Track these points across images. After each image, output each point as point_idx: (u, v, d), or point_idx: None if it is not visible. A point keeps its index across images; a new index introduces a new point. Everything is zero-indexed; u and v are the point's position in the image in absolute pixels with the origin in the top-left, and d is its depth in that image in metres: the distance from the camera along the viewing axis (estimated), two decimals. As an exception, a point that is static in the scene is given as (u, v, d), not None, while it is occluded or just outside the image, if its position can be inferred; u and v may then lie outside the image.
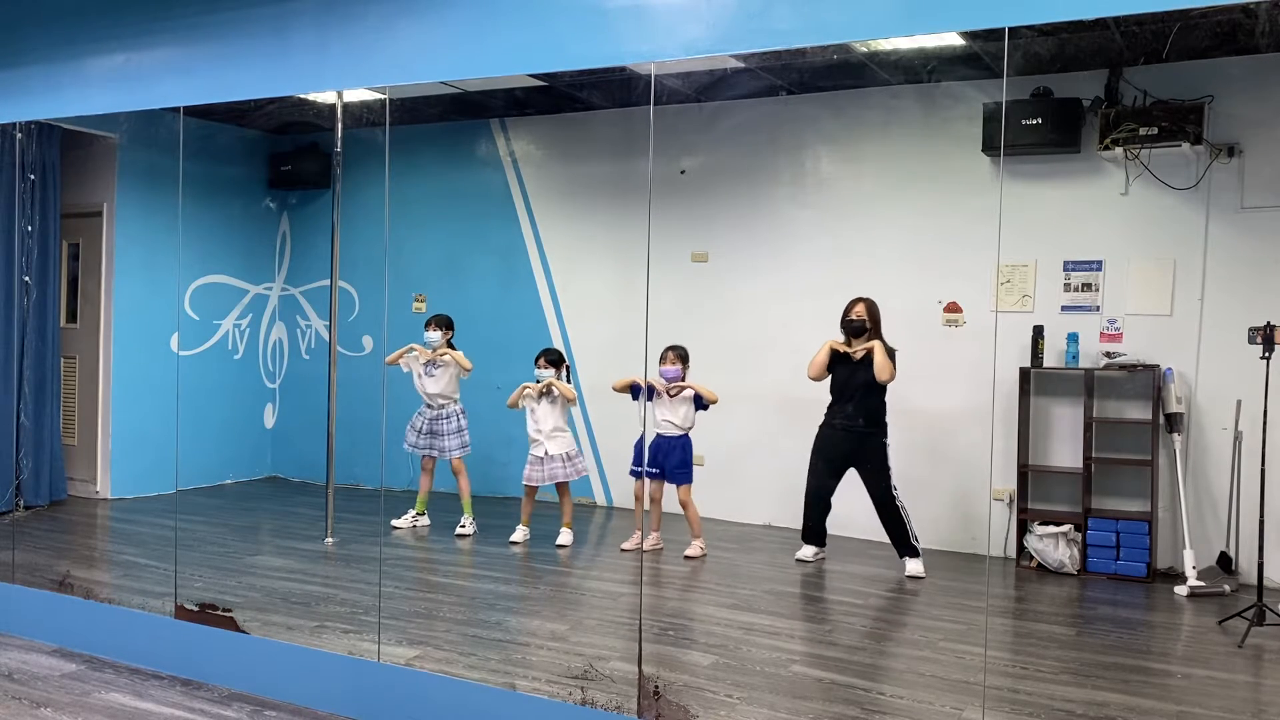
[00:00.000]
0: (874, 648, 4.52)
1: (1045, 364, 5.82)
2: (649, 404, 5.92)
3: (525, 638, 4.43)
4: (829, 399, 5.75)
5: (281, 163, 8.12)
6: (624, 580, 5.46)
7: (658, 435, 5.92)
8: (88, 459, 7.34)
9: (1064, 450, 5.89)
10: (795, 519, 6.12)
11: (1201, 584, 5.25)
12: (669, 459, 5.89)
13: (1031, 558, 5.70)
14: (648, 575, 5.52)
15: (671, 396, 5.86)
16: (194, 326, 7.63)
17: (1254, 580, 4.68)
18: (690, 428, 5.92)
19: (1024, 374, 5.84)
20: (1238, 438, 5.42)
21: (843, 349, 5.66)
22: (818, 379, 5.73)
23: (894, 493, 5.54)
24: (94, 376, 7.35)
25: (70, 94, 4.72)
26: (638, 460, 5.99)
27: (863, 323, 5.61)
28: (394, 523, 6.47)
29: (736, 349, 6.59)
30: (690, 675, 3.94)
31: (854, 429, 5.61)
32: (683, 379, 5.90)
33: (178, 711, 3.79)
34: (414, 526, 6.49)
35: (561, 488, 6.16)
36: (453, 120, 7.56)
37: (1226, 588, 5.24)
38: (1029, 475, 5.86)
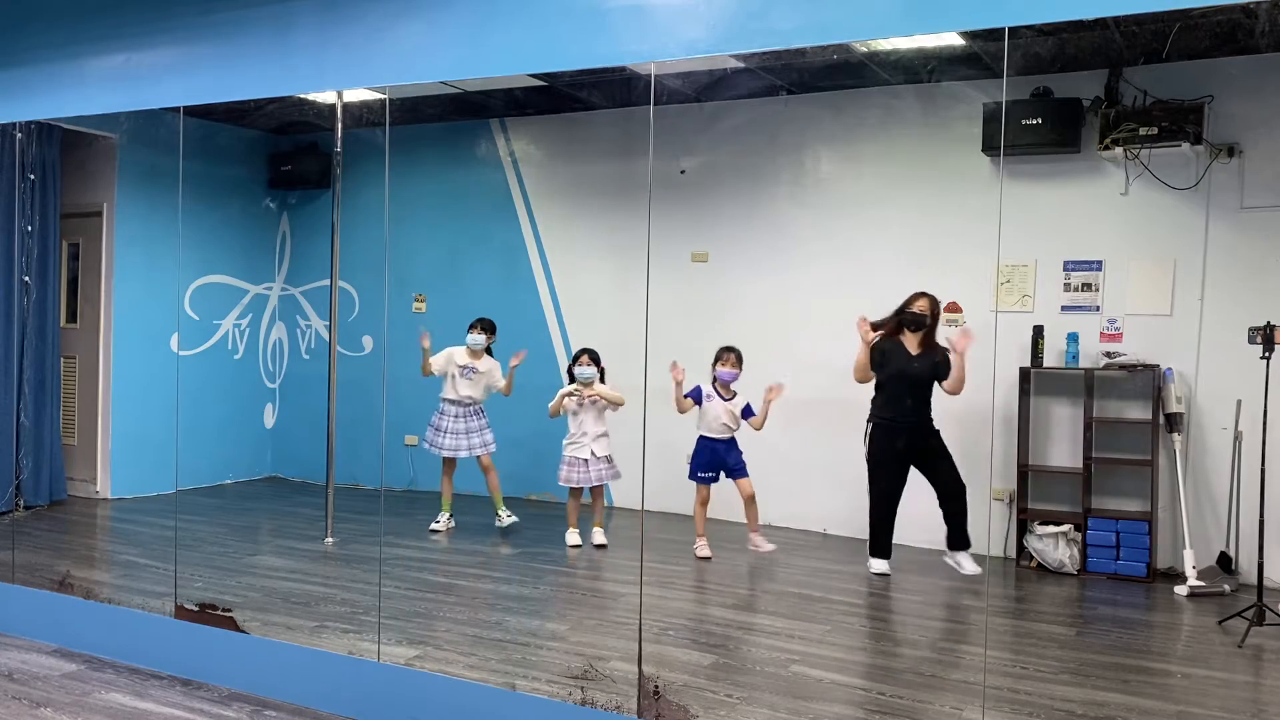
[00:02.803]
0: (874, 648, 4.52)
1: (1045, 364, 5.82)
2: (706, 406, 5.83)
3: (525, 638, 4.43)
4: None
5: (281, 163, 8.12)
6: (624, 580, 5.46)
7: (708, 439, 5.84)
8: (88, 459, 7.34)
9: (1064, 450, 5.89)
10: (794, 518, 6.13)
11: (1201, 584, 5.25)
12: (728, 458, 5.82)
13: (1031, 558, 5.70)
14: (648, 575, 5.52)
15: (725, 400, 5.82)
16: (194, 326, 7.63)
17: (1254, 580, 4.68)
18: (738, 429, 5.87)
19: (1024, 374, 5.84)
20: (1238, 438, 5.42)
21: (875, 338, 5.48)
22: (865, 381, 5.57)
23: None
24: (94, 376, 7.35)
25: (70, 94, 4.72)
26: (701, 467, 5.89)
27: (925, 317, 5.49)
28: (432, 526, 6.42)
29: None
30: (690, 675, 3.94)
31: (914, 426, 5.47)
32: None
33: (178, 711, 3.79)
34: (449, 529, 6.47)
35: (596, 490, 6.13)
36: (453, 120, 7.56)
37: (1226, 588, 5.24)
38: (1029, 475, 5.86)
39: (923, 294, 5.54)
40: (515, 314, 7.42)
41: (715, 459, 5.86)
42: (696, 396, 5.82)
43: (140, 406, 7.16)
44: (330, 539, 6.10)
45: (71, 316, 7.45)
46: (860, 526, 6.04)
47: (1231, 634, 4.57)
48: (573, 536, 6.11)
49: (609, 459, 6.09)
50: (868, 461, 5.57)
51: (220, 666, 4.09)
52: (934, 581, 5.43)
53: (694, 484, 5.90)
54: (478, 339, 6.36)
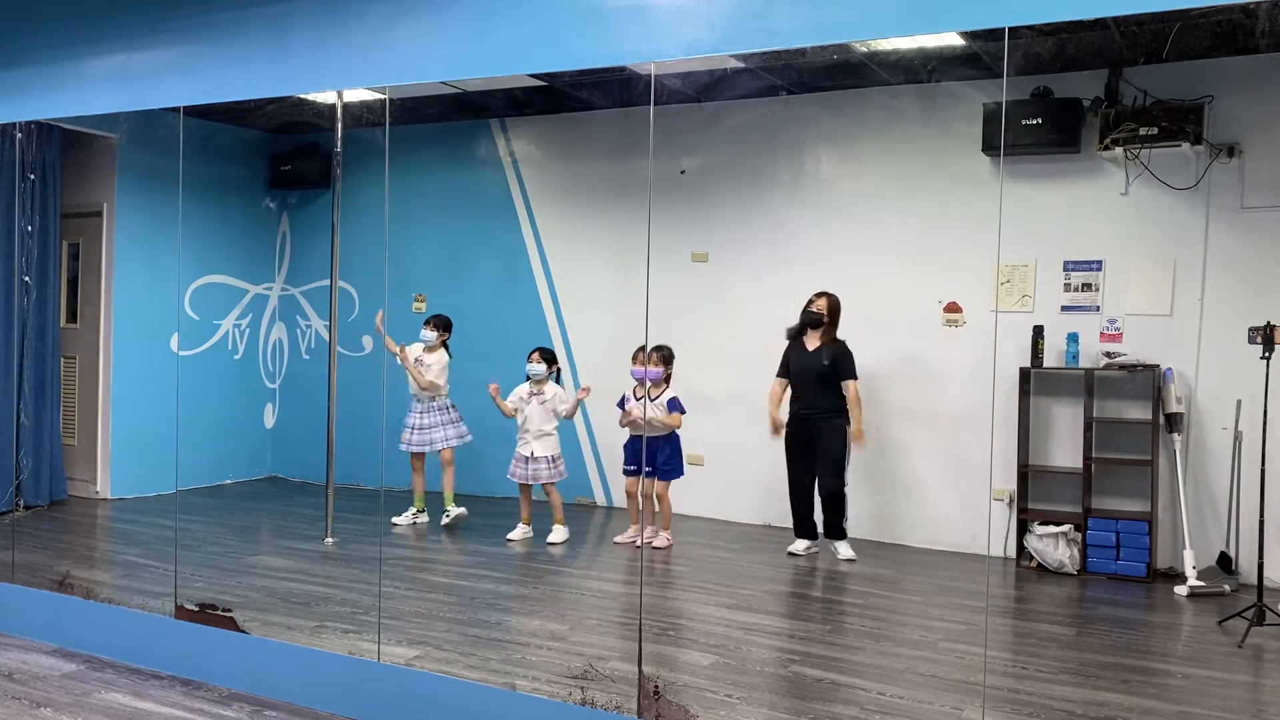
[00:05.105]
0: (874, 648, 4.52)
1: (1045, 364, 5.82)
2: (632, 405, 6.01)
3: (525, 638, 4.43)
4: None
5: (281, 163, 8.12)
6: (624, 580, 5.46)
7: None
8: (88, 459, 7.34)
9: (1064, 450, 5.88)
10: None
11: (1201, 584, 5.26)
12: (656, 456, 6.01)
13: (1031, 558, 5.70)
14: (648, 575, 5.52)
15: (652, 399, 5.98)
16: (194, 326, 7.63)
17: (1254, 580, 4.68)
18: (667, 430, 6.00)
19: (1024, 374, 5.84)
20: (1238, 438, 5.42)
21: (783, 389, 5.90)
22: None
23: (844, 480, 5.75)
24: (94, 376, 7.35)
25: (70, 94, 4.72)
26: (628, 460, 6.16)
27: (820, 316, 5.81)
28: (394, 519, 6.49)
29: (736, 349, 6.59)
30: (690, 675, 3.94)
31: (814, 415, 5.79)
32: (664, 380, 5.99)
33: (178, 711, 3.79)
34: (414, 524, 6.51)
35: (548, 488, 6.20)
36: (453, 120, 7.55)
37: (1226, 588, 5.24)
38: (1029, 475, 5.86)
39: (822, 294, 5.86)
40: (515, 314, 7.42)
41: (639, 454, 6.07)
42: (621, 404, 6.04)
43: (140, 406, 7.16)
44: (330, 539, 6.09)
45: (71, 316, 7.45)
46: (861, 527, 6.05)
47: (1231, 634, 4.57)
48: (516, 531, 6.19)
49: (551, 459, 6.15)
50: (785, 451, 5.93)
51: (220, 666, 4.09)
52: (934, 581, 5.43)
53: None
54: (428, 335, 6.48)
